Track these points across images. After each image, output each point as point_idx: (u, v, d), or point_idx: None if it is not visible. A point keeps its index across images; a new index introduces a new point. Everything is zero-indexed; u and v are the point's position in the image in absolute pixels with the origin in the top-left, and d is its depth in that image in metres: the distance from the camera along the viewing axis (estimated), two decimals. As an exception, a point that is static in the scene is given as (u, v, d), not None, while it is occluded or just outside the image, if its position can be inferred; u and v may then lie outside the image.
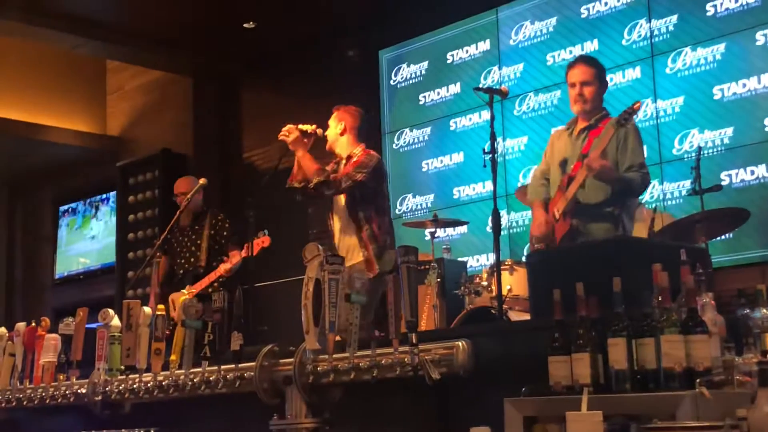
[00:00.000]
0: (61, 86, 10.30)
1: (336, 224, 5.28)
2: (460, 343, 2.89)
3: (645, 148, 5.00)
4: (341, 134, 5.33)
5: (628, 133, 4.76)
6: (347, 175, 5.11)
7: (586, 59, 5.14)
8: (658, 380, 2.44)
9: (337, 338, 3.15)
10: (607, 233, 4.69)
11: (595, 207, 4.75)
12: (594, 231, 4.73)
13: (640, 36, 6.84)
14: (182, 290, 6.14)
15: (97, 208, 10.75)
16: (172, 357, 3.64)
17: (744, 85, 6.26)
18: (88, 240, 10.77)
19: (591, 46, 7.09)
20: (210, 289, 6.17)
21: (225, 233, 6.54)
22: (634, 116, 4.73)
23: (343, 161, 5.30)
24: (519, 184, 7.15)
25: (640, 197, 5.27)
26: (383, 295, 5.02)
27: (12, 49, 9.77)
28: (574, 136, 4.94)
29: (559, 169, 4.93)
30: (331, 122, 5.38)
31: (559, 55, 7.29)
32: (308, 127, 5.28)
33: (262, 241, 6.02)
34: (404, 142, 8.21)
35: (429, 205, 7.90)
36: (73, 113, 10.40)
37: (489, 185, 6.11)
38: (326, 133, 5.35)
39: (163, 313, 3.75)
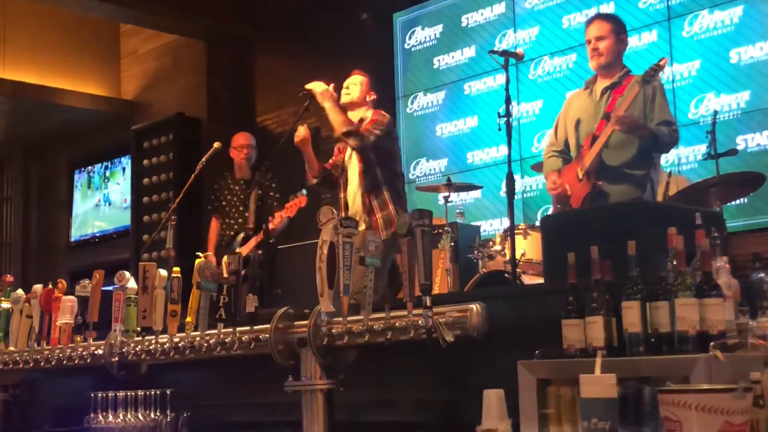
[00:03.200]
0: (75, 50, 10.30)
1: (350, 189, 5.29)
2: (473, 306, 2.89)
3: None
4: (369, 104, 5.35)
5: (656, 89, 4.72)
6: (369, 131, 5.13)
7: (602, 15, 5.14)
8: (672, 343, 2.44)
9: (352, 301, 3.16)
10: (631, 195, 4.64)
11: (619, 168, 4.71)
12: (618, 193, 4.67)
13: (656, -2, 6.78)
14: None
15: (112, 172, 10.79)
16: (188, 319, 3.66)
17: (761, 49, 6.20)
18: (103, 203, 10.82)
19: (607, 9, 7.02)
20: (260, 251, 6.25)
21: (271, 193, 6.57)
22: (660, 72, 4.69)
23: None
24: (534, 149, 7.14)
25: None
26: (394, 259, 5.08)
27: (26, 13, 9.77)
28: (595, 95, 4.90)
29: (575, 131, 4.90)
30: (358, 85, 5.40)
31: (575, 18, 7.23)
32: (320, 86, 5.27)
33: (299, 200, 6.03)
34: (418, 106, 8.19)
35: (443, 169, 7.89)
36: (88, 77, 10.41)
37: (503, 149, 6.08)
38: (348, 92, 5.35)
39: (179, 275, 3.76)
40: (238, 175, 6.82)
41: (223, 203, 6.75)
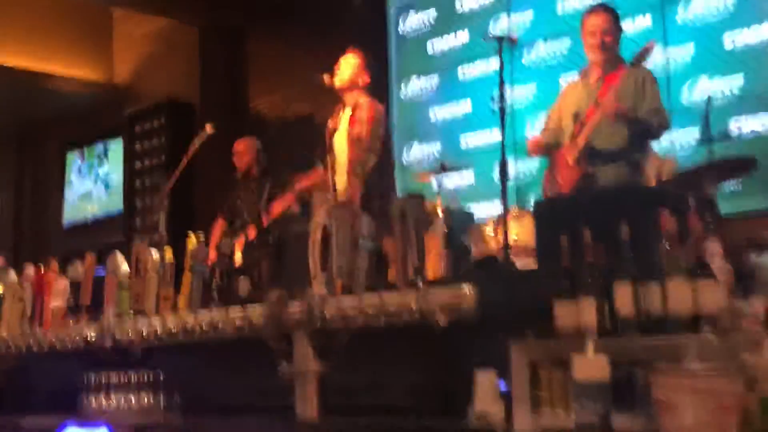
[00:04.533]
0: (67, 34, 10.25)
1: (336, 166, 5.26)
2: (466, 290, 2.90)
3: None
4: (361, 86, 5.32)
5: (646, 77, 4.72)
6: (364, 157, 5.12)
7: (605, 6, 5.07)
8: (664, 326, 2.45)
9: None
10: (620, 177, 4.63)
11: (610, 152, 4.71)
12: (606, 175, 4.65)
13: (651, -18, 6.77)
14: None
15: (104, 156, 10.76)
16: (181, 302, 3.66)
17: (755, 34, 6.19)
18: (95, 188, 10.80)
19: (602, -6, 7.00)
20: (269, 235, 6.25)
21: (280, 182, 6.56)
22: (648, 56, 4.68)
23: (344, 111, 5.27)
24: (528, 134, 7.13)
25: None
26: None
27: (18, -2, 9.72)
28: (590, 85, 4.89)
29: (572, 120, 4.89)
30: (351, 65, 5.35)
31: (568, 2, 7.20)
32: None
33: (310, 178, 6.00)
34: (412, 91, 8.17)
35: (436, 154, 7.87)
36: (80, 61, 10.37)
37: (497, 134, 6.07)
38: (341, 74, 5.32)
39: (172, 259, 3.76)
40: (245, 178, 6.78)
41: (237, 202, 6.73)
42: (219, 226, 6.82)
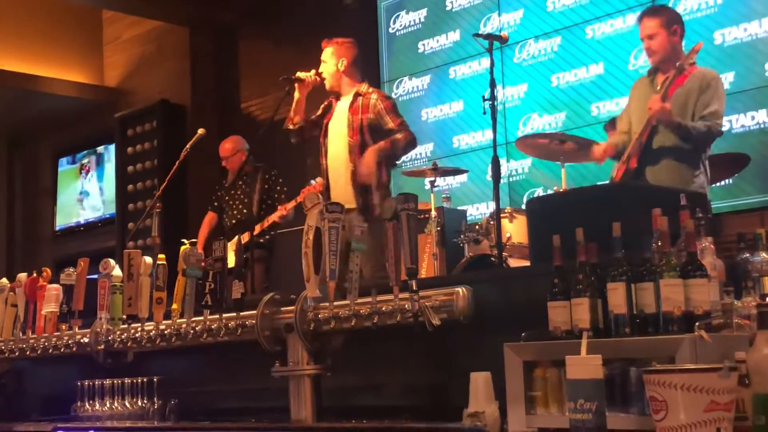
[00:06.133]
0: (57, 37, 10.23)
1: (331, 170, 5.24)
2: (460, 290, 2.90)
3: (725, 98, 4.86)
4: (345, 71, 5.27)
5: (711, 82, 4.67)
6: (406, 140, 5.08)
7: (650, 11, 4.98)
8: (658, 324, 2.45)
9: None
10: (672, 173, 4.61)
11: (666, 150, 4.66)
12: (654, 172, 4.64)
13: (640, -20, 6.78)
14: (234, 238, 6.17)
15: (96, 160, 10.73)
16: (174, 306, 3.65)
17: (745, 30, 6.21)
18: (88, 191, 10.77)
19: (592, -9, 7.02)
20: (262, 238, 6.26)
21: (278, 187, 6.54)
22: (695, 56, 4.64)
23: (340, 100, 5.23)
24: (519, 133, 7.13)
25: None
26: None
27: (8, 0, 9.68)
28: (656, 85, 4.83)
29: (639, 116, 4.82)
30: (328, 59, 5.29)
31: (559, 1, 7.22)
32: (306, 75, 5.24)
33: (314, 187, 6.01)
34: (403, 91, 8.17)
35: (428, 154, 7.88)
36: (70, 64, 10.34)
37: (489, 133, 6.07)
38: (322, 71, 5.28)
39: (165, 262, 3.75)
40: (228, 179, 6.77)
41: (226, 197, 6.72)
42: (208, 220, 6.81)
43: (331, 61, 5.25)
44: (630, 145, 4.76)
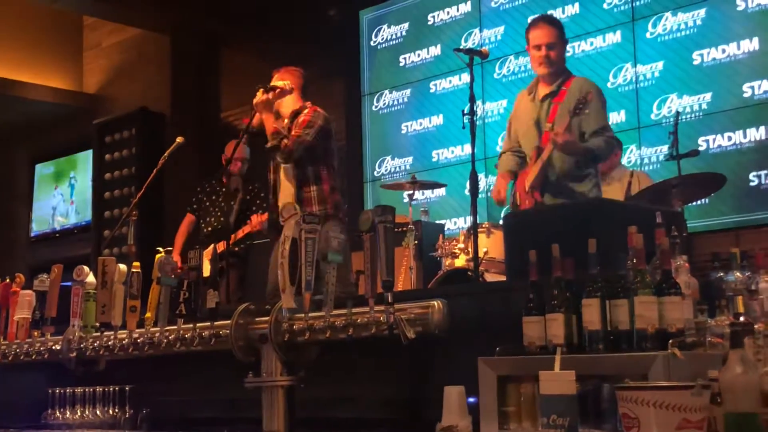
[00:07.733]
0: (37, 42, 10.17)
1: (280, 182, 5.20)
2: (435, 303, 2.89)
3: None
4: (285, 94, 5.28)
5: (591, 90, 4.72)
6: (297, 140, 5.01)
7: (548, 19, 5.05)
8: (631, 341, 2.46)
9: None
10: (568, 197, 4.69)
11: (561, 180, 4.73)
12: (552, 199, 4.73)
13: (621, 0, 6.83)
14: (209, 247, 6.13)
15: (73, 167, 10.67)
16: (147, 314, 3.62)
17: (723, 51, 6.27)
18: (64, 198, 10.70)
19: (572, 9, 7.07)
20: (237, 247, 6.31)
21: (258, 201, 6.52)
22: (586, 104, 4.65)
23: (287, 120, 5.23)
24: (498, 149, 7.15)
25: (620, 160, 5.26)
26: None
27: (-13, 4, 9.63)
28: (537, 101, 4.89)
29: (526, 136, 4.90)
30: (275, 84, 5.31)
31: (540, 18, 7.25)
32: (280, 84, 5.22)
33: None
34: (384, 104, 8.18)
35: (408, 167, 7.89)
36: (50, 70, 10.28)
37: (468, 148, 6.09)
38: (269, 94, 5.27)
39: (139, 270, 3.73)
40: (226, 181, 6.76)
41: (206, 202, 6.69)
42: (186, 223, 6.77)
43: (277, 84, 5.23)
44: (528, 175, 4.81)
